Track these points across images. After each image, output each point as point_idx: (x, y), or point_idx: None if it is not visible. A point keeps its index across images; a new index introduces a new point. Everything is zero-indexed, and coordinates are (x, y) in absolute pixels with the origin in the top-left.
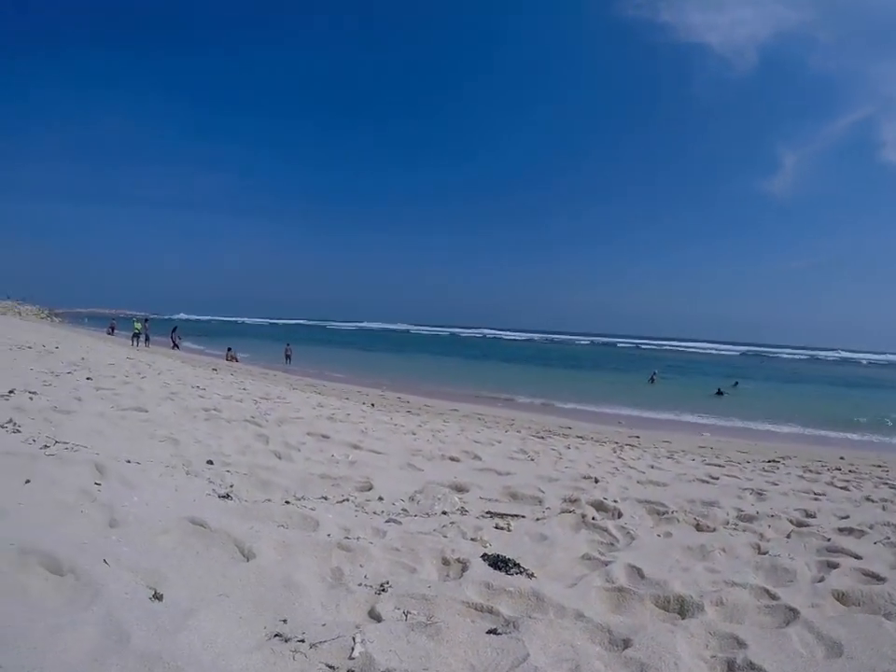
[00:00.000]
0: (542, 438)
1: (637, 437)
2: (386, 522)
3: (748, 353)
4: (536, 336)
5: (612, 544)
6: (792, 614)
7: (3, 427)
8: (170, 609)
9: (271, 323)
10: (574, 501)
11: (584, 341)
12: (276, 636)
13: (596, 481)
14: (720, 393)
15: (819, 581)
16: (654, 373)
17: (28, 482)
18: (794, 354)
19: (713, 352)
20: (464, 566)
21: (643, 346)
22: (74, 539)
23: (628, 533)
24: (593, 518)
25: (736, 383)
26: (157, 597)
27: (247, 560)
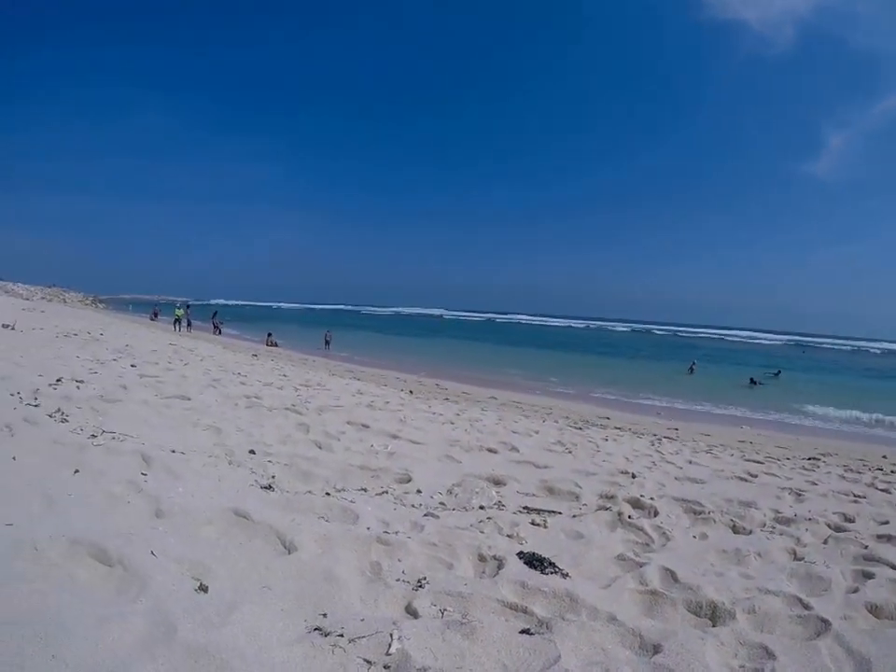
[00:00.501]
0: (580, 429)
1: (676, 429)
2: (424, 515)
3: (789, 342)
4: (574, 322)
5: (647, 544)
6: (824, 626)
7: (51, 417)
8: (215, 601)
9: (307, 308)
10: (611, 498)
11: (623, 327)
12: (316, 629)
13: (634, 476)
14: (753, 383)
15: (854, 592)
16: (694, 363)
17: (77, 472)
18: (837, 344)
19: (754, 340)
20: (500, 563)
21: (681, 334)
22: (121, 530)
23: (664, 533)
24: (629, 517)
25: (779, 372)
26: (202, 589)
27: (289, 553)
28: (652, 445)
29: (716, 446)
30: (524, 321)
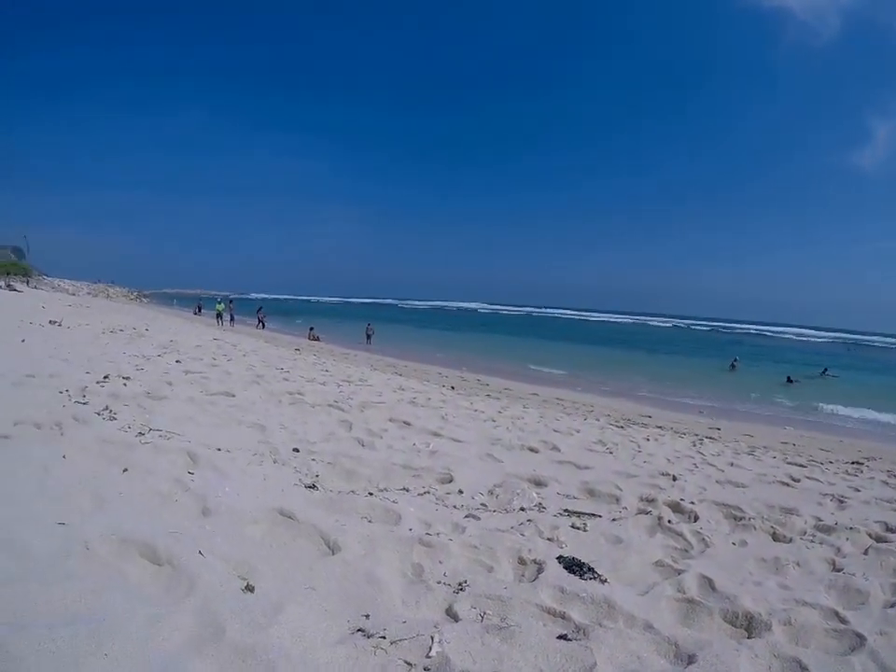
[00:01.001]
0: (622, 427)
1: (718, 429)
2: (466, 517)
3: (836, 340)
4: (615, 317)
5: (686, 550)
6: (859, 640)
7: (99, 415)
8: (261, 602)
9: (345, 301)
10: (651, 501)
11: (664, 323)
12: (359, 630)
13: (675, 479)
14: (790, 381)
15: (892, 607)
16: (735, 359)
17: (126, 470)
18: (887, 342)
19: (800, 338)
20: (539, 567)
21: (723, 329)
22: (170, 529)
23: (703, 539)
24: (668, 521)
25: (825, 370)
26: (249, 589)
27: (333, 553)
28: (694, 446)
29: (758, 448)
30: (563, 315)
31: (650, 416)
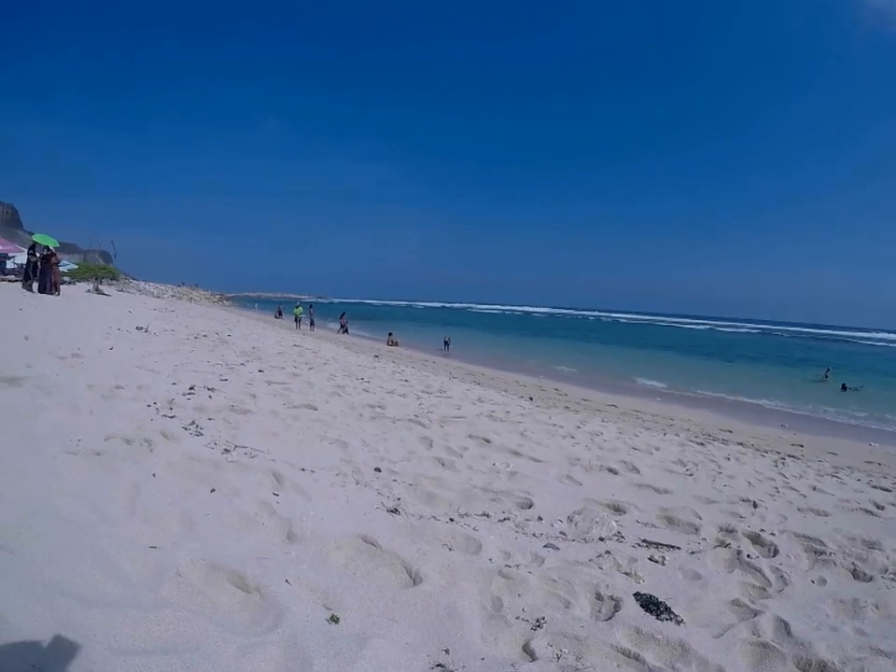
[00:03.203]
0: (702, 444)
1: (801, 445)
2: (545, 546)
3: None
4: (700, 324)
5: (764, 589)
6: None
7: (186, 429)
8: (346, 634)
9: (418, 306)
10: (731, 532)
11: (748, 329)
12: (439, 665)
13: (755, 505)
14: (844, 389)
15: None
16: (828, 370)
17: (213, 490)
18: None
19: (891, 345)
20: (616, 604)
21: (809, 335)
22: (256, 554)
23: (782, 577)
24: (748, 556)
25: None
26: (334, 620)
27: (414, 584)
28: (776, 466)
29: (842, 468)
30: (633, 321)
31: (730, 431)
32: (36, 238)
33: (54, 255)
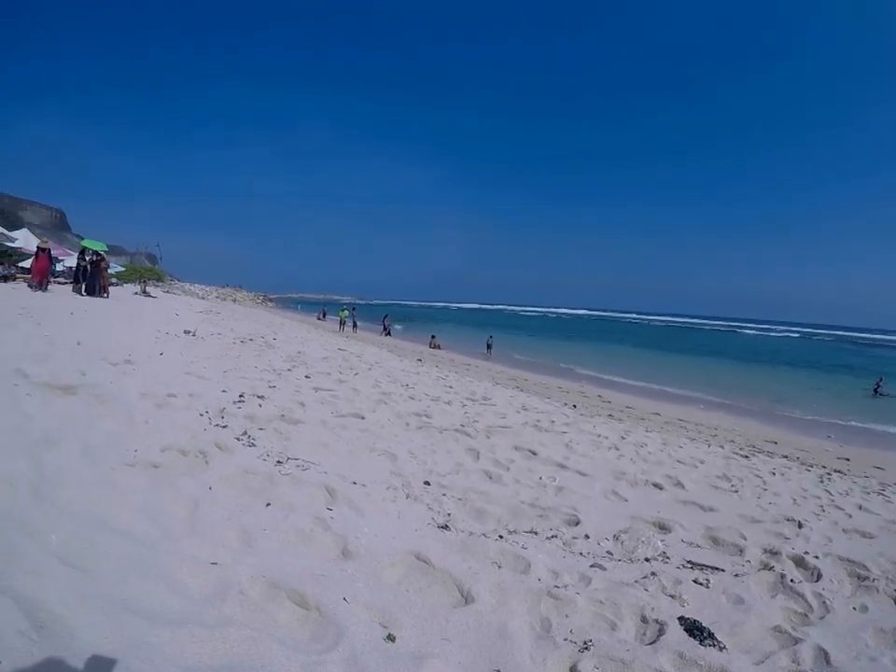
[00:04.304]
0: (747, 457)
1: (848, 459)
2: (592, 566)
3: None
4: (740, 327)
5: (806, 615)
6: None
7: (239, 440)
8: (402, 653)
9: (457, 307)
10: (775, 554)
11: (790, 333)
12: None
13: (800, 525)
14: (877, 392)
15: None
16: (880, 380)
17: (269, 505)
18: None
19: None
20: (661, 628)
21: (861, 341)
22: (313, 571)
23: (824, 603)
24: (791, 580)
25: None
26: (390, 638)
27: (466, 603)
28: (821, 482)
29: (889, 485)
30: (673, 323)
31: (775, 442)
32: (85, 243)
33: (103, 259)
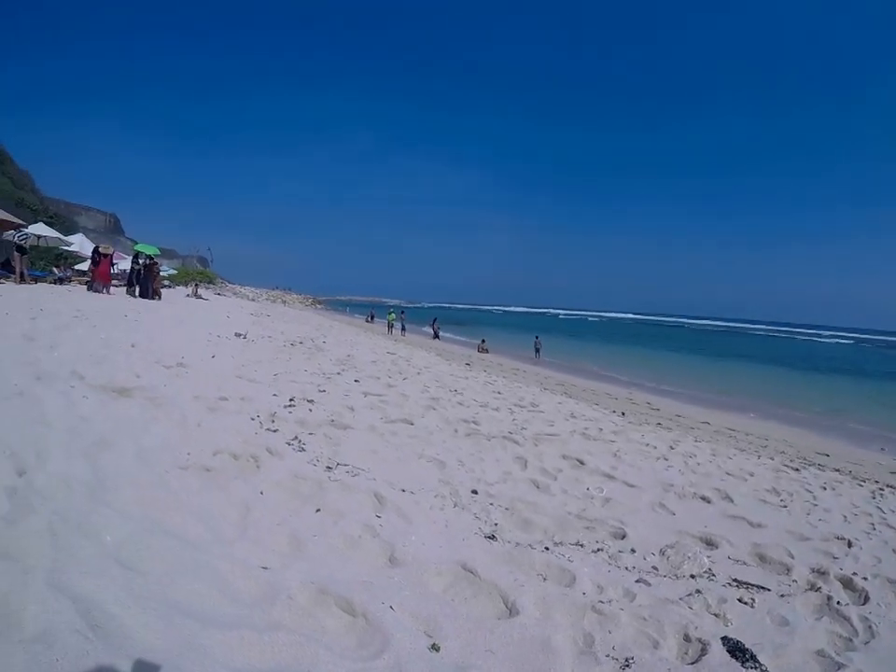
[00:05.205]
0: (797, 470)
1: None
2: (637, 581)
3: None
4: (789, 332)
5: (851, 640)
6: None
7: (290, 445)
8: (446, 663)
9: (505, 311)
10: (822, 574)
11: (843, 340)
12: None
13: (850, 544)
14: None
15: None
16: None
17: (318, 510)
18: None
19: None
20: (703, 647)
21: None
22: (361, 578)
23: (869, 627)
24: (838, 602)
25: None
26: (435, 648)
27: (511, 615)
28: (873, 499)
29: None
30: (717, 328)
31: (827, 454)
32: (139, 248)
33: (156, 263)
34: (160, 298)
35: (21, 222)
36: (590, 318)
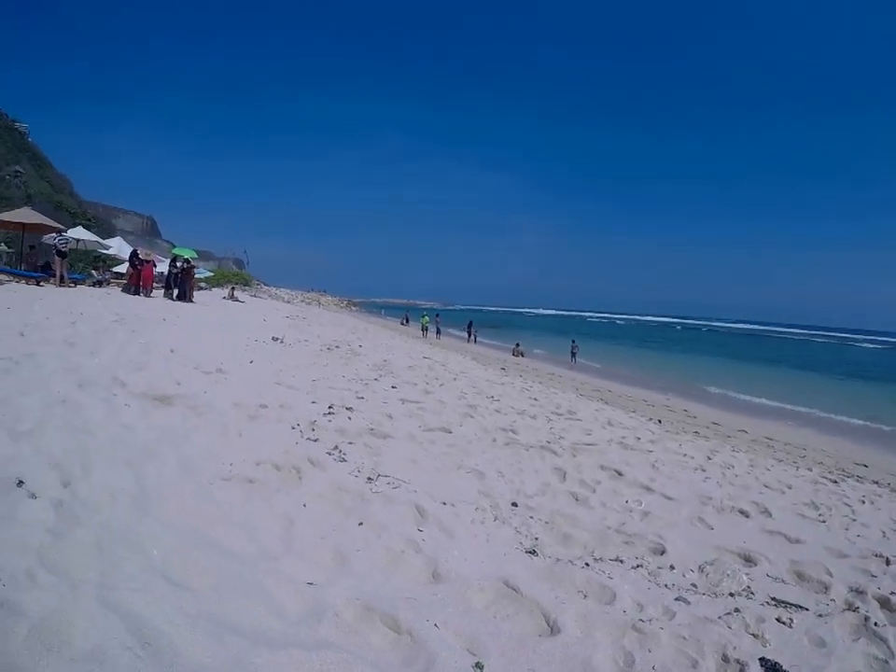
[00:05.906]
0: (836, 482)
1: None
2: (676, 599)
3: None
4: (824, 336)
5: (887, 662)
6: None
7: (330, 455)
8: None
9: (535, 314)
10: (861, 593)
11: (874, 345)
12: None
13: (888, 562)
14: None
15: None
16: None
17: (361, 524)
18: None
19: None
20: (741, 668)
21: None
22: (405, 594)
23: None
24: (875, 623)
25: None
26: (478, 667)
27: (552, 633)
28: None
29: None
30: (746, 330)
31: (865, 465)
32: (177, 251)
33: (193, 266)
34: (194, 300)
35: (60, 226)
36: (618, 321)
